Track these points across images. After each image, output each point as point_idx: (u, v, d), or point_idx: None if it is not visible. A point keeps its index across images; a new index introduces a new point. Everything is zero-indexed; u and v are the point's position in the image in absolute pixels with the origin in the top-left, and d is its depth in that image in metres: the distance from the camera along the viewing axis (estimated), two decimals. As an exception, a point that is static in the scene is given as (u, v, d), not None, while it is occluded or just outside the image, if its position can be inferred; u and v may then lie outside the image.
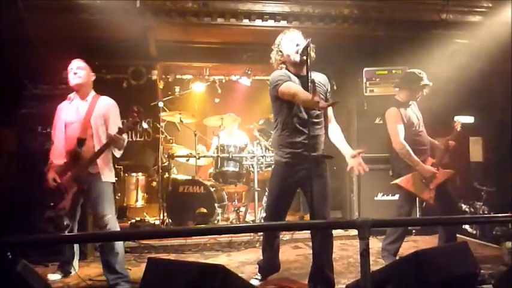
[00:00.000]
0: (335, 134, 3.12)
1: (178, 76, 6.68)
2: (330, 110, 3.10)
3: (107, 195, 3.34)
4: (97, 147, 3.29)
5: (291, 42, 3.02)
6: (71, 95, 3.51)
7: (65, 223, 3.22)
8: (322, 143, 3.10)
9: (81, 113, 3.38)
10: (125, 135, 3.32)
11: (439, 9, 5.10)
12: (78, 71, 3.40)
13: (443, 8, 5.08)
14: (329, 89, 3.15)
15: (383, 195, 5.08)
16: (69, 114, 3.43)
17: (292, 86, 2.90)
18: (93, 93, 3.50)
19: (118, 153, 3.42)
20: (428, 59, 4.81)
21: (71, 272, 3.62)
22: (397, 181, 3.75)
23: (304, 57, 2.80)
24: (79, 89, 3.43)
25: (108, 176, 3.36)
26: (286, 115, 3.03)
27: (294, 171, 3.03)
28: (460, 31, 5.33)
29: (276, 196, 3.15)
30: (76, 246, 3.67)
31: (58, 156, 3.39)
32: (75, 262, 3.66)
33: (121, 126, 3.32)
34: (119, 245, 3.32)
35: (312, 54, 2.94)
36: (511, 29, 4.70)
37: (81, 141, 3.30)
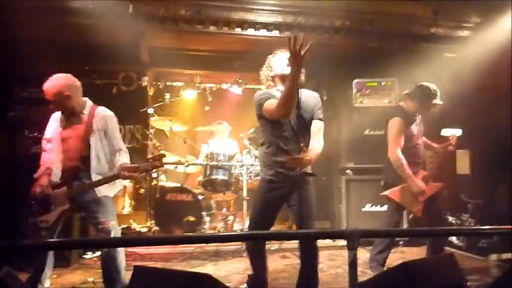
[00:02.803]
0: (311, 146, 3.01)
1: (169, 83, 6.67)
2: (315, 125, 3.06)
3: (107, 206, 3.21)
4: (94, 163, 3.17)
5: (282, 59, 3.00)
6: None
7: (43, 234, 3.11)
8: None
9: (79, 129, 3.23)
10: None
11: (429, 23, 5.19)
12: (53, 102, 3.16)
13: (433, 22, 5.18)
14: (319, 107, 3.10)
15: (371, 206, 5.11)
16: (65, 128, 3.28)
17: (274, 104, 2.86)
18: (89, 103, 3.32)
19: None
20: (417, 72, 4.87)
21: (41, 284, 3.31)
22: (386, 193, 3.76)
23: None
24: (68, 112, 3.27)
25: (105, 191, 3.22)
26: (270, 134, 3.02)
27: (277, 188, 3.02)
28: (448, 45, 5.44)
29: (259, 212, 3.12)
30: (50, 258, 3.33)
31: (55, 172, 3.23)
32: (47, 274, 3.34)
33: (121, 143, 3.25)
34: (121, 255, 3.22)
35: (302, 78, 2.89)
36: (499, 44, 4.79)
37: (83, 158, 3.18)
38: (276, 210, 3.14)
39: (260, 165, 3.19)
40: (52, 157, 3.28)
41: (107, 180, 3.15)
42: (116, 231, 3.21)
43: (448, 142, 3.90)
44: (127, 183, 6.07)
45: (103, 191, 3.20)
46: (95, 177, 3.18)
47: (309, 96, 3.07)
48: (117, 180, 3.28)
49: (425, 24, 5.21)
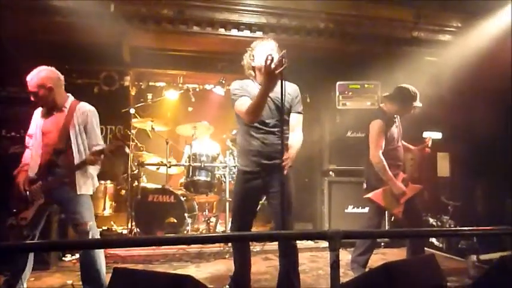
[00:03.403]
0: (291, 142, 3.06)
1: (151, 83, 6.62)
2: (293, 119, 3.07)
3: (85, 205, 3.19)
4: (76, 157, 3.15)
5: (266, 51, 2.99)
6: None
7: (24, 233, 3.07)
8: (281, 152, 2.89)
9: (59, 122, 3.21)
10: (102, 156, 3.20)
11: (411, 27, 5.29)
12: (37, 94, 3.16)
13: (415, 26, 5.28)
14: (298, 100, 3.10)
15: (353, 207, 5.15)
16: (46, 122, 3.26)
17: (245, 105, 2.89)
18: (70, 98, 3.32)
19: (93, 170, 3.30)
20: (399, 75, 4.94)
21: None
22: (369, 195, 3.79)
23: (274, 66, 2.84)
24: (49, 105, 3.25)
25: (83, 188, 3.19)
26: (243, 123, 3.05)
27: (252, 179, 3.03)
28: (430, 49, 5.54)
29: (238, 203, 3.14)
30: (30, 260, 3.26)
31: (33, 166, 3.20)
32: (25, 277, 3.25)
33: (100, 140, 3.23)
34: (101, 257, 3.19)
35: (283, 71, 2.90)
36: (479, 48, 4.90)
37: (58, 151, 3.15)
38: (254, 200, 3.17)
39: (237, 156, 3.21)
40: (32, 152, 3.25)
41: (78, 167, 3.12)
42: (94, 232, 3.18)
43: (424, 144, 3.96)
44: (108, 184, 6.01)
45: (82, 188, 3.17)
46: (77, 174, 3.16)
47: (289, 90, 3.06)
48: (94, 176, 3.29)
49: (408, 28, 5.31)
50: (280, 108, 2.86)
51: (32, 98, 3.20)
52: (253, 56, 3.09)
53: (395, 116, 3.92)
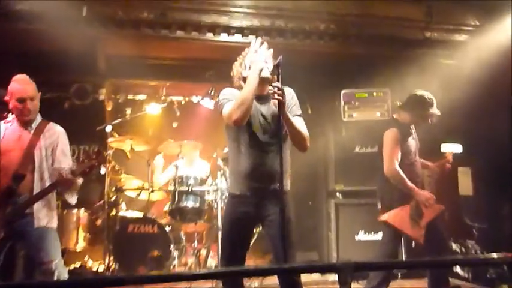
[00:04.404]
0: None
1: (130, 96, 6.61)
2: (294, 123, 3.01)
3: (49, 240, 3.16)
4: (37, 185, 3.13)
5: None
6: (10, 118, 3.34)
7: None
8: (279, 173, 2.86)
9: (24, 141, 3.21)
10: (80, 180, 3.21)
11: (423, 26, 5.33)
12: (30, 102, 3.20)
13: (427, 26, 5.32)
14: (294, 103, 3.05)
15: (365, 233, 5.12)
16: (7, 139, 3.24)
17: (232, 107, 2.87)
18: (39, 118, 3.34)
19: (71, 198, 3.30)
20: (411, 81, 4.97)
21: None
22: (384, 217, 3.76)
23: (269, 76, 2.85)
24: (25, 120, 3.27)
25: (45, 219, 3.17)
26: (234, 138, 3.00)
27: (243, 204, 2.98)
28: (445, 50, 5.57)
29: (227, 233, 3.08)
30: None
31: None
32: None
33: (71, 163, 3.22)
34: None
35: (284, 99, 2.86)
36: (500, 49, 4.93)
37: (18, 177, 3.12)
38: (247, 231, 3.12)
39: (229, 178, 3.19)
40: None
41: (43, 193, 3.10)
42: (61, 272, 3.15)
43: (444, 159, 3.96)
44: (81, 213, 5.95)
45: (45, 220, 3.15)
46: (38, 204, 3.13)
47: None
48: (72, 202, 3.31)
49: (419, 28, 5.35)
50: (275, 122, 2.86)
51: (17, 106, 3.18)
52: (244, 65, 3.07)
53: (411, 126, 3.92)
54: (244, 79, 3.04)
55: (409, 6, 5.15)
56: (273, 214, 2.89)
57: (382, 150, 3.83)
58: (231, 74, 3.16)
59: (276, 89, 2.72)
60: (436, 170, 4.03)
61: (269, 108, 2.98)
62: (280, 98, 2.72)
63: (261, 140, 2.95)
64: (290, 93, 3.09)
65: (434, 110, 3.84)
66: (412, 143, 3.88)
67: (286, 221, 2.80)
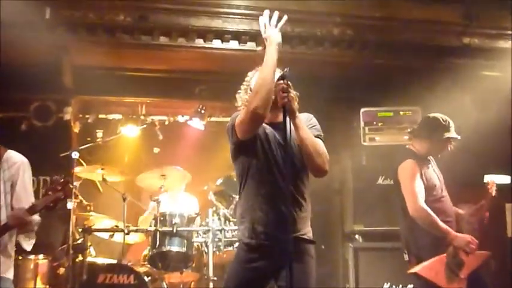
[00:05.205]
0: None
1: (101, 116, 6.64)
2: None
3: None
4: None
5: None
6: None
7: None
8: (305, 218, 2.99)
9: None
10: (36, 216, 3.21)
11: (460, 31, 5.35)
12: None
13: (466, 30, 5.34)
14: (312, 125, 3.07)
15: (391, 285, 5.07)
16: None
17: None
18: None
19: (27, 244, 3.32)
20: (446, 97, 4.98)
21: None
22: (416, 269, 3.73)
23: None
24: None
25: (4, 269, 3.18)
26: (251, 174, 2.99)
27: (257, 259, 2.95)
28: (488, 61, 5.57)
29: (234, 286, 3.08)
30: None
31: None
32: None
33: (33, 200, 3.21)
34: None
35: (296, 104, 2.90)
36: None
37: None
38: (259, 287, 3.07)
39: (237, 222, 3.15)
40: None
41: None
42: None
43: (480, 205, 3.94)
44: (40, 259, 5.91)
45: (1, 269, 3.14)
46: None
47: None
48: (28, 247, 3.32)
49: (456, 33, 5.37)
50: (293, 160, 2.86)
51: None
52: (251, 89, 3.08)
53: (429, 157, 3.94)
54: None
55: (443, 7, 5.18)
56: (290, 265, 2.83)
57: (399, 187, 3.86)
58: (235, 104, 3.18)
59: (281, 87, 2.73)
60: (470, 220, 4.01)
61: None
62: (286, 99, 2.72)
63: (278, 179, 2.91)
64: (307, 116, 3.12)
65: (452, 134, 3.86)
66: (434, 176, 3.90)
67: (307, 276, 2.89)
